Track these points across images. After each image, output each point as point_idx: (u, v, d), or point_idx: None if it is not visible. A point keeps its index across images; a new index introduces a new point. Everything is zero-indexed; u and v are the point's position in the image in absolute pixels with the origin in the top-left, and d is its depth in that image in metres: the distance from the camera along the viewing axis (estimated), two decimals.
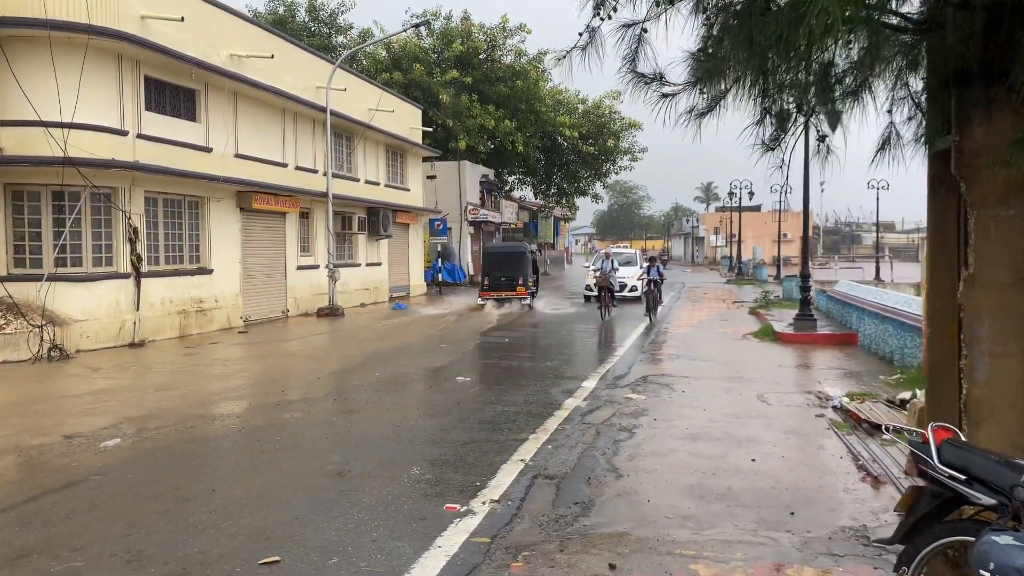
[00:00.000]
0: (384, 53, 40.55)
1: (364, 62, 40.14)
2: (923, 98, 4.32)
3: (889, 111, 4.49)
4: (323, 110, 22.18)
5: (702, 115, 4.42)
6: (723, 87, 4.28)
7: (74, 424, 8.49)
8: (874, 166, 4.59)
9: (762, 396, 10.29)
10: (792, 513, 5.67)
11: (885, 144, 4.57)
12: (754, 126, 4.50)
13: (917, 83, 4.34)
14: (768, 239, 72.87)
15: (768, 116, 4.39)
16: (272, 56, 19.58)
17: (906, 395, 9.81)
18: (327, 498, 5.91)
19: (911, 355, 11.97)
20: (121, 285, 15.56)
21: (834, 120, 5.04)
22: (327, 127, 22.32)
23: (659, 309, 21.10)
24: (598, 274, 20.96)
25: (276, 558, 4.72)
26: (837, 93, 4.39)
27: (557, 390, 10.64)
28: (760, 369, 12.67)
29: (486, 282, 24.62)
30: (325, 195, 22.42)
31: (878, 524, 5.44)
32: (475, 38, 39.65)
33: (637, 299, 24.25)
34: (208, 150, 18.15)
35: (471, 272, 38.47)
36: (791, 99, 4.52)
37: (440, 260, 33.74)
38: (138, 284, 15.81)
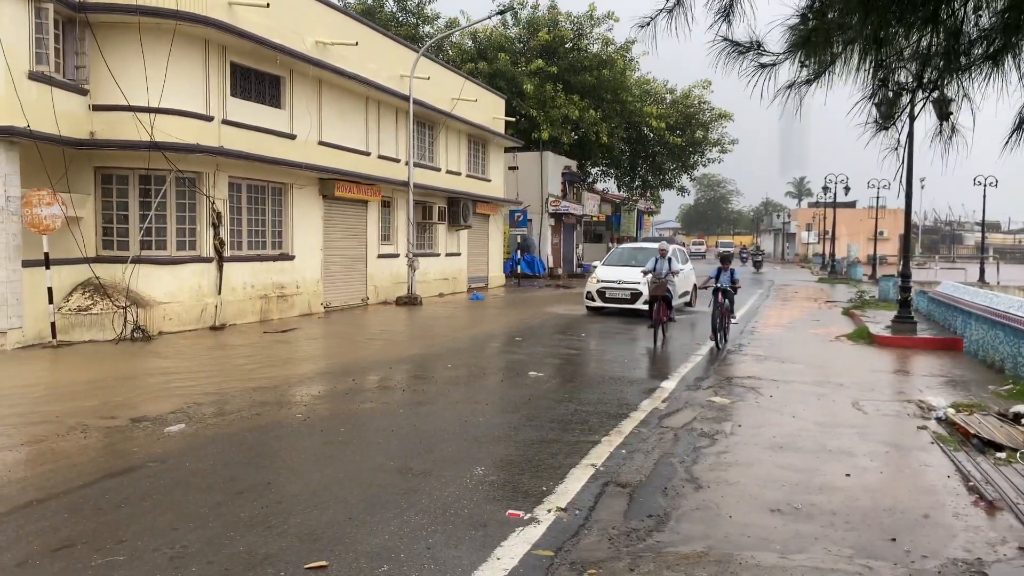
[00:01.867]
0: (470, 43, 40.41)
1: (450, 52, 40.10)
2: None
3: None
4: (406, 99, 22.08)
5: (808, 82, 3.87)
6: (830, 55, 3.72)
7: (143, 407, 8.47)
8: (1008, 150, 3.94)
9: (857, 403, 9.54)
10: (893, 539, 5.06)
11: (1022, 124, 3.92)
12: (865, 101, 3.92)
13: None
14: (863, 236, 69.96)
15: (884, 89, 3.81)
16: (356, 43, 19.54)
17: (1020, 408, 8.92)
18: (384, 497, 5.60)
19: None
20: (204, 269, 15.76)
21: (943, 106, 4.41)
22: (410, 116, 22.22)
23: (731, 328, 15.07)
24: (649, 277, 15.26)
25: (323, 563, 4.42)
26: (966, 62, 3.77)
27: (634, 390, 10.13)
28: (854, 374, 11.85)
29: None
30: (406, 184, 22.35)
31: (996, 559, 4.78)
32: (561, 27, 39.07)
33: (642, 314, 17.85)
34: (292, 137, 18.24)
35: (551, 264, 38.04)
36: (911, 70, 3.92)
37: (519, 252, 33.42)
38: (220, 268, 15.98)
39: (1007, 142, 3.97)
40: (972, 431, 7.82)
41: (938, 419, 8.70)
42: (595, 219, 51.33)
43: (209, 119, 15.61)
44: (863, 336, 16.05)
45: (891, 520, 5.43)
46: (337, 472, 6.23)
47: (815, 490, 6.08)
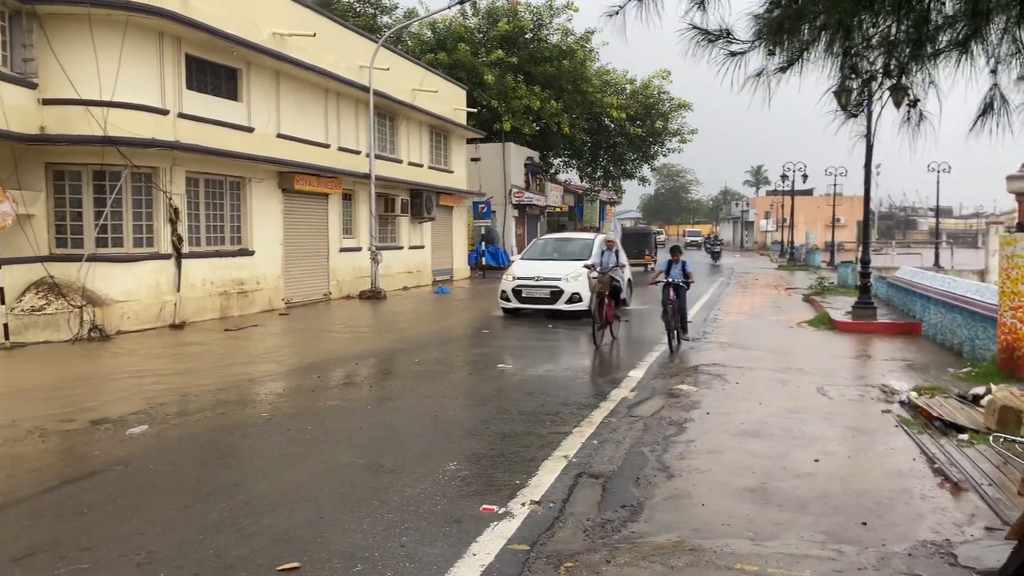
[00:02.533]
0: (429, 33, 40.10)
1: (409, 42, 39.75)
2: None
3: (993, 71, 3.88)
4: (366, 90, 21.83)
5: (781, 70, 3.86)
6: (800, 42, 3.71)
7: (103, 408, 8.25)
8: (973, 135, 3.98)
9: (822, 389, 9.66)
10: (864, 523, 5.12)
11: (987, 109, 3.96)
12: (836, 87, 3.93)
13: None
14: (821, 224, 71.09)
15: (854, 76, 3.82)
16: (314, 34, 19.26)
17: (979, 390, 9.10)
18: (356, 495, 5.52)
19: (983, 346, 11.20)
20: (162, 266, 15.44)
21: (901, 93, 4.45)
22: (370, 107, 21.98)
23: (687, 329, 13.23)
24: (594, 273, 13.57)
25: (295, 564, 4.33)
26: (931, 50, 3.79)
27: (603, 379, 10.15)
28: (818, 360, 12.00)
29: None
30: (368, 176, 22.12)
31: (964, 539, 4.85)
32: (521, 17, 38.96)
33: (579, 315, 16.14)
34: (250, 130, 17.93)
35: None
36: (878, 58, 3.93)
37: (484, 243, 33.35)
38: (179, 265, 15.68)
39: (972, 128, 4.01)
40: (935, 414, 7.96)
41: (901, 403, 8.84)
42: (558, 210, 51.41)
43: (164, 113, 15.27)
44: (824, 322, 16.28)
45: (861, 504, 5.49)
46: (306, 471, 6.13)
47: (785, 476, 6.13)
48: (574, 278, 16.12)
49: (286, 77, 19.33)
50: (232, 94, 17.72)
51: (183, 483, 5.78)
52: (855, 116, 4.09)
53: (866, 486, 5.91)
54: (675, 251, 13.13)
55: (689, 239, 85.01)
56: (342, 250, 22.09)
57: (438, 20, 39.81)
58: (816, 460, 6.57)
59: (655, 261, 38.13)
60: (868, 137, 9.87)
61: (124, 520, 5.03)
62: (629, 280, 18.79)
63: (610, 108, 41.64)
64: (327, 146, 21.22)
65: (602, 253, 14.19)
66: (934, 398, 8.88)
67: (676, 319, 12.70)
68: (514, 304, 16.78)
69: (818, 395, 9.34)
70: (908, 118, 4.04)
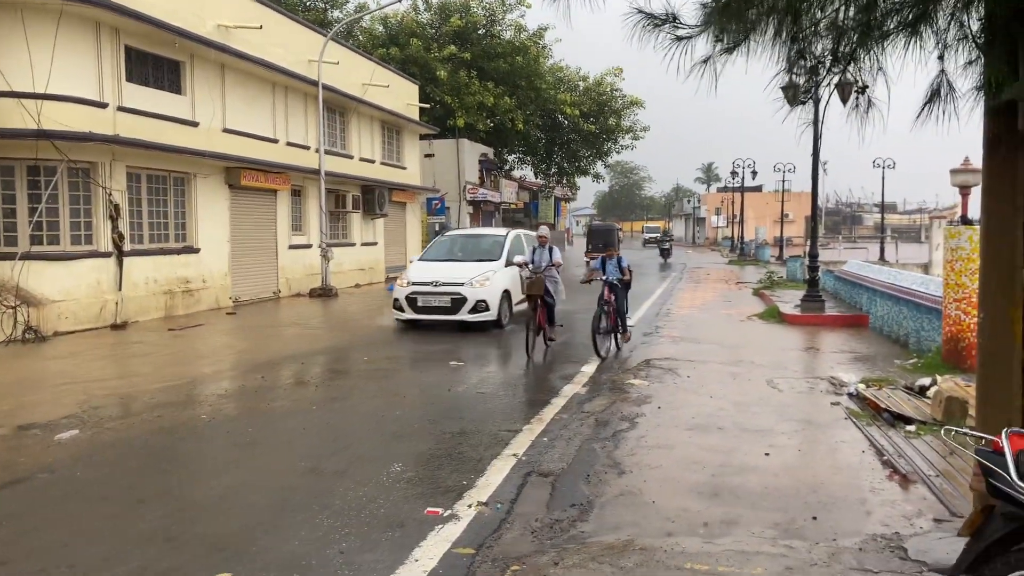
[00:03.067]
0: (381, 28, 39.66)
1: (360, 37, 39.25)
2: (982, 39, 3.65)
3: (940, 57, 3.83)
4: (315, 84, 21.41)
5: (728, 51, 3.75)
6: (746, 25, 3.61)
7: (33, 413, 7.88)
8: (919, 123, 3.92)
9: (772, 382, 9.68)
10: (815, 517, 5.07)
11: (934, 97, 3.91)
12: (783, 75, 3.84)
13: (974, 23, 3.67)
14: (770, 219, 72.11)
15: (801, 61, 3.73)
16: (261, 27, 18.80)
17: (925, 381, 9.19)
18: (295, 500, 5.30)
19: (928, 338, 11.36)
20: (102, 264, 14.92)
21: (845, 89, 4.41)
22: (319, 101, 21.57)
23: (628, 332, 12.31)
24: (526, 273, 12.06)
25: (228, 574, 4.12)
26: (879, 34, 3.72)
27: (555, 375, 10.04)
28: (768, 352, 12.06)
29: (589, 247, 35.09)
30: (317, 172, 21.70)
31: (913, 532, 4.83)
32: (474, 12, 38.73)
33: (471, 327, 13.92)
34: (194, 124, 17.44)
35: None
36: (826, 43, 3.85)
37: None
38: (120, 263, 15.17)
39: (919, 115, 3.96)
40: (883, 406, 8.00)
41: (850, 395, 8.89)
42: (513, 206, 51.32)
43: (103, 106, 14.75)
44: (774, 315, 16.42)
45: (811, 498, 5.45)
46: (244, 476, 5.89)
47: (736, 471, 6.07)
48: (480, 283, 13.87)
49: (232, 70, 18.85)
50: (175, 87, 17.21)
51: (113, 490, 5.51)
52: (803, 103, 4.00)
53: (816, 480, 5.87)
54: (607, 245, 12.75)
55: (648, 236, 78.73)
56: (291, 247, 21.66)
57: (390, 15, 39.41)
58: (766, 454, 6.53)
59: (619, 254, 40.59)
60: (816, 125, 9.87)
61: (48, 531, 4.75)
62: (611, 284, 14.88)
63: (564, 105, 41.65)
64: (275, 141, 20.77)
65: (534, 250, 12.49)
66: (882, 390, 8.95)
67: (611, 323, 11.48)
68: (409, 315, 14.20)
69: (768, 388, 9.35)
70: (856, 105, 3.98)
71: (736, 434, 7.19)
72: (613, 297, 11.60)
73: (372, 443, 6.79)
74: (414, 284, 14.22)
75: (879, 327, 14.09)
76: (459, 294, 13.88)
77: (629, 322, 12.75)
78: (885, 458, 6.38)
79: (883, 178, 39.40)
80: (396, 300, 14.43)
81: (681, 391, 9.12)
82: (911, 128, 3.84)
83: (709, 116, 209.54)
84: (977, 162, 13.55)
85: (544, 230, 12.88)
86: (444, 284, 13.99)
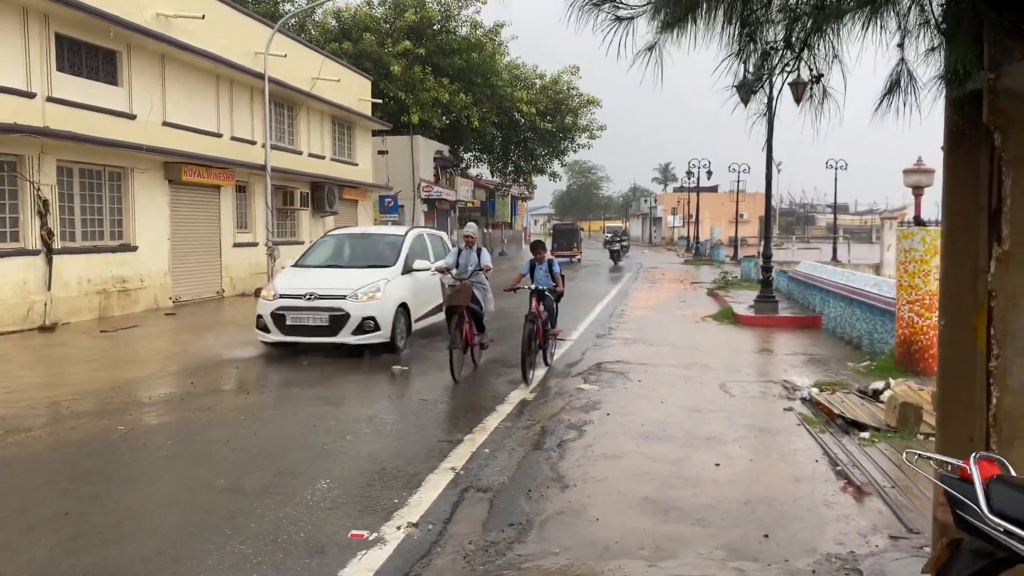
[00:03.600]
0: (334, 22, 38.91)
1: (313, 32, 38.47)
2: (944, 25, 3.36)
3: (900, 45, 3.53)
4: (261, 77, 20.70)
5: (668, 27, 3.41)
6: (690, 2, 3.27)
7: None
8: (879, 116, 3.63)
9: (724, 386, 9.44)
10: (767, 535, 4.77)
11: (894, 88, 3.62)
12: (732, 59, 3.51)
13: (936, 6, 3.38)
14: (725, 219, 72.74)
15: (752, 45, 3.40)
16: (203, 16, 18.09)
17: (879, 385, 9.05)
18: (207, 523, 4.84)
19: (881, 340, 11.24)
20: (29, 263, 14.16)
21: (800, 91, 4.12)
22: (265, 95, 20.87)
23: (551, 357, 10.64)
24: (449, 280, 10.14)
25: None
26: (833, 18, 3.41)
27: (502, 380, 9.65)
28: (721, 355, 11.84)
29: (555, 246, 36.94)
30: (264, 168, 21.00)
31: (869, 551, 4.55)
32: (428, 8, 38.18)
33: (378, 349, 11.27)
34: (131, 117, 16.71)
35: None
36: (779, 29, 3.53)
37: None
38: (49, 262, 14.42)
39: (877, 108, 3.66)
40: (836, 412, 7.79)
41: (803, 399, 8.67)
42: (470, 205, 50.87)
43: (31, 96, 14.00)
44: (727, 316, 16.27)
45: (763, 513, 5.16)
46: (154, 495, 5.40)
47: (686, 483, 5.76)
48: (368, 295, 10.99)
49: (173, 61, 18.13)
50: (111, 78, 16.46)
51: (3, 514, 4.98)
52: (754, 93, 3.68)
53: (769, 492, 5.59)
54: (538, 248, 10.40)
55: (609, 235, 69.28)
56: (236, 245, 20.96)
57: (343, 9, 38.71)
58: (717, 464, 6.24)
59: (581, 253, 42.00)
60: (769, 118, 9.62)
61: None
62: (539, 293, 10.55)
63: (520, 103, 41.30)
64: (219, 136, 20.06)
65: (459, 252, 10.56)
66: (835, 394, 8.75)
67: (535, 343, 9.66)
68: (275, 336, 11.10)
69: (721, 392, 9.10)
70: (811, 95, 3.66)
71: (686, 442, 6.90)
72: (542, 308, 9.93)
73: (300, 456, 6.34)
74: (283, 297, 11.11)
75: (832, 328, 13.99)
76: (340, 310, 10.89)
77: (557, 337, 11.14)
78: (839, 468, 6.13)
79: (836, 179, 39.88)
80: (260, 318, 11.23)
81: (632, 396, 8.82)
82: (870, 121, 3.55)
83: (666, 117, 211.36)
84: (930, 163, 13.48)
85: (471, 228, 10.92)
86: (321, 297, 10.97)
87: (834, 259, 37.39)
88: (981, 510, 2.43)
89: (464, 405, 8.44)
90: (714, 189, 74.97)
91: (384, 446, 6.66)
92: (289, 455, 6.36)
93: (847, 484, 5.76)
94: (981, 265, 3.49)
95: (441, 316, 11.52)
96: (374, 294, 11.13)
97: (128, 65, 16.69)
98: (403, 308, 11.58)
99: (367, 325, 10.94)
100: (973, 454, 2.57)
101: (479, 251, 10.58)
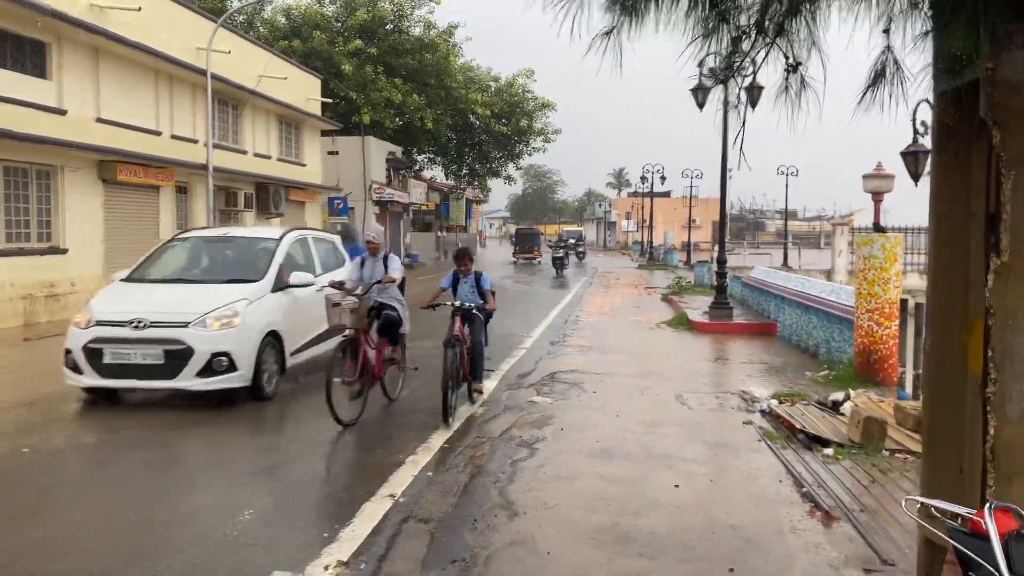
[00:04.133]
0: (283, 19, 38.01)
1: (261, 29, 37.51)
2: (935, 8, 2.99)
3: (886, 31, 3.16)
4: (203, 73, 19.94)
5: (628, 11, 2.98)
6: None
7: None
8: (862, 110, 3.25)
9: (681, 397, 9.09)
10: (731, 570, 4.38)
11: (879, 78, 3.24)
12: (700, 42, 3.10)
13: None
14: (678, 224, 73.24)
15: (723, 26, 2.99)
16: (139, 8, 17.27)
17: (838, 396, 8.78)
18: (104, 565, 4.27)
19: (838, 348, 11.02)
20: None
21: (756, 95, 3.76)
22: (207, 92, 20.08)
23: (481, 377, 8.83)
24: (337, 298, 7.78)
25: None
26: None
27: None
28: (676, 364, 11.52)
29: (517, 248, 39.43)
30: (205, 167, 20.22)
31: None
32: (381, 7, 37.52)
33: (236, 395, 8.34)
34: (61, 112, 15.85)
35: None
36: (752, 13, 3.13)
37: (341, 241, 31.66)
38: None
39: (860, 100, 3.28)
40: (798, 426, 7.47)
41: (762, 412, 8.35)
42: (424, 207, 50.21)
43: None
44: (682, 323, 16.00)
45: (727, 543, 4.76)
46: (48, 531, 4.80)
47: (643, 508, 5.35)
48: (221, 322, 8.13)
49: (107, 55, 17.29)
50: (39, 71, 15.59)
51: None
52: (723, 83, 3.28)
53: (732, 518, 5.20)
54: (463, 258, 8.44)
55: (569, 239, 56.95)
56: None
57: (292, 6, 37.82)
58: (676, 486, 5.85)
59: (541, 256, 42.60)
60: (724, 115, 9.29)
61: None
62: (462, 331, 8.57)
63: (475, 105, 40.82)
64: (158, 133, 19.23)
65: (362, 263, 8.32)
66: (795, 406, 8.45)
67: (457, 371, 7.84)
68: (90, 379, 8.07)
69: (677, 404, 8.74)
70: (787, 87, 3.26)
71: (643, 461, 6.49)
72: (467, 330, 8.21)
73: (225, 481, 5.78)
74: (101, 324, 8.04)
75: (788, 336, 13.78)
76: (180, 343, 7.86)
77: (489, 366, 9.20)
78: (805, 489, 5.77)
79: (787, 185, 40.19)
80: (68, 353, 8.10)
81: (586, 409, 8.41)
82: (852, 116, 3.17)
83: (621, 123, 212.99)
84: (890, 167, 13.27)
85: (374, 232, 8.36)
86: (155, 325, 7.95)
87: (785, 264, 37.65)
88: (1000, 572, 2.03)
89: (415, 422, 7.91)
90: (667, 194, 75.42)
91: (317, 471, 6.14)
92: (213, 478, 5.80)
93: (814, 508, 5.41)
94: (973, 277, 3.13)
95: (332, 344, 8.36)
96: (230, 320, 8.10)
97: (58, 57, 15.84)
98: (273, 338, 8.64)
99: (218, 363, 7.90)
100: (987, 504, 2.18)
101: (386, 259, 8.28)
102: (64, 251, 16.02)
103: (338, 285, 8.15)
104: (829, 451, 6.76)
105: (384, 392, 8.36)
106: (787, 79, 3.23)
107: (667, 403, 8.79)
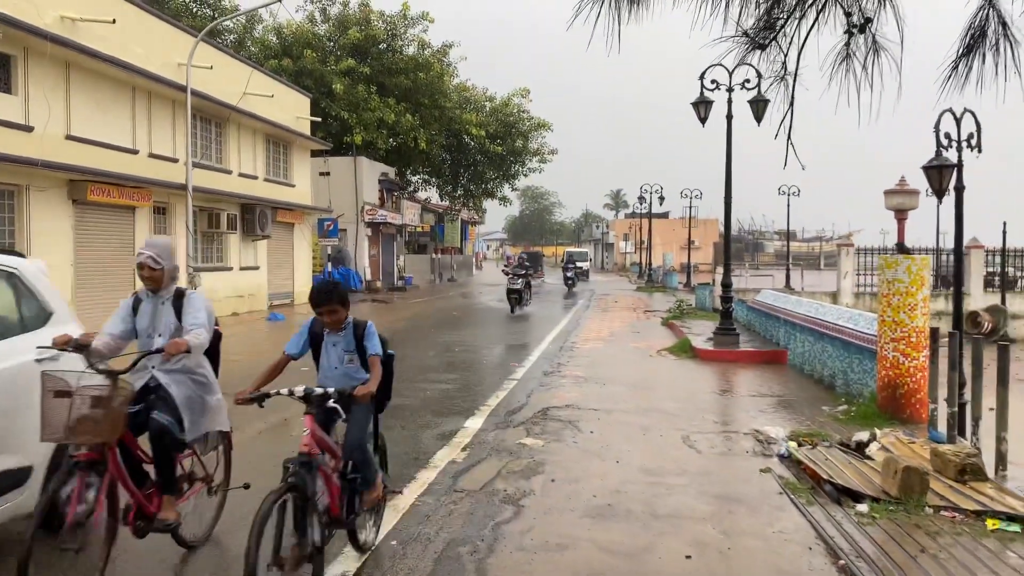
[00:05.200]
0: (274, 39, 37.38)
1: (252, 48, 36.87)
2: None
3: None
4: (184, 89, 19.13)
5: None
6: None
7: None
8: (950, 87, 2.34)
9: (688, 438, 8.15)
10: None
11: (975, 44, 2.34)
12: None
13: None
14: (676, 245, 72.52)
15: None
16: (113, 21, 16.51)
17: (863, 436, 7.87)
18: None
19: (858, 380, 10.09)
20: None
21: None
22: (187, 108, 19.24)
23: (374, 532, 5.02)
24: (60, 382, 3.92)
25: None
26: None
27: (430, 434, 8.21)
28: (681, 397, 10.57)
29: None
30: (186, 187, 19.35)
31: None
32: (374, 25, 36.89)
33: None
34: (27, 129, 15.01)
35: (368, 277, 35.66)
36: None
37: (332, 264, 30.80)
38: None
39: (950, 76, 2.37)
40: (823, 475, 6.53)
41: (781, 456, 7.41)
42: (419, 229, 49.41)
43: None
44: (685, 350, 15.06)
45: None
46: None
47: None
48: None
49: (80, 69, 16.47)
50: (3, 85, 14.78)
51: None
52: (761, 47, 2.38)
53: None
54: (327, 302, 4.54)
55: (577, 262, 46.72)
56: None
57: (284, 25, 37.20)
58: (688, 557, 4.91)
59: (544, 276, 41.25)
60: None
61: None
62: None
63: (469, 125, 40.11)
64: (135, 152, 18.38)
65: (134, 306, 4.71)
66: (816, 448, 7.53)
67: (332, 514, 4.35)
68: None
69: (684, 447, 7.80)
70: (848, 53, 2.36)
71: (648, 522, 5.55)
72: (331, 442, 4.53)
73: (153, 553, 4.82)
74: None
75: (799, 364, 12.86)
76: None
77: (393, 486, 5.66)
78: (842, 562, 4.83)
79: (788, 205, 39.41)
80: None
81: (582, 454, 7.46)
82: (939, 95, 2.25)
83: (617, 144, 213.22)
84: (914, 183, 12.36)
85: (153, 249, 4.62)
86: None
87: (787, 286, 36.74)
88: None
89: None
90: (665, 215, 74.75)
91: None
92: (145, 551, 4.82)
93: None
94: None
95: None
96: None
97: (24, 71, 15.00)
98: None
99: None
100: None
101: (181, 300, 4.69)
102: None
103: (77, 347, 4.30)
104: (863, 507, 5.82)
105: (175, 538, 4.65)
106: (848, 44, 2.32)
107: (673, 445, 7.85)
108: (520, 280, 24.04)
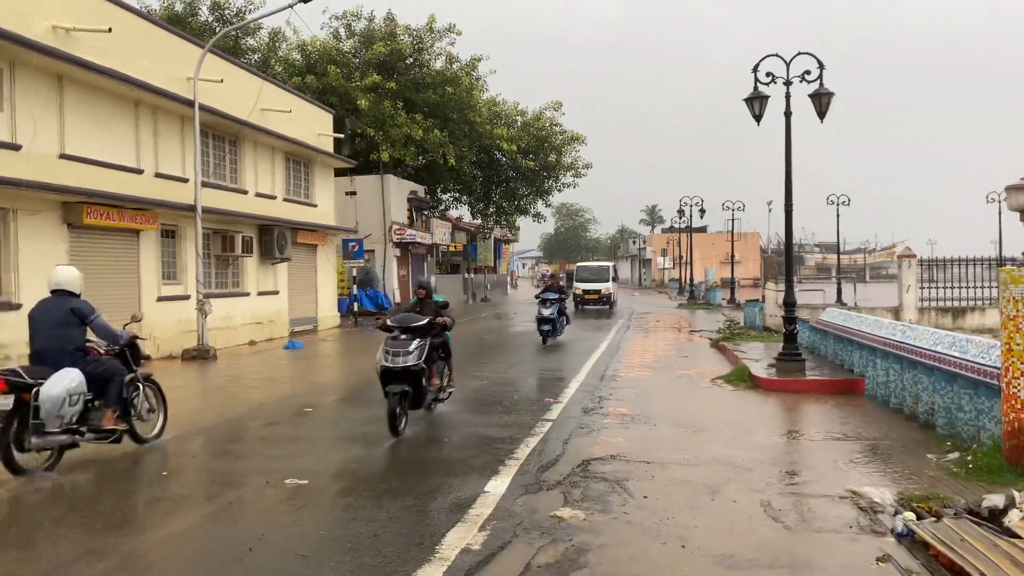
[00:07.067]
0: (298, 56, 36.44)
1: (277, 67, 35.93)
2: None
3: None
4: (192, 105, 17.89)
5: None
6: None
7: None
8: None
9: (769, 505, 6.41)
10: None
11: None
12: None
13: None
14: (716, 260, 70.30)
15: None
16: (109, 30, 15.28)
17: (998, 500, 6.13)
18: None
19: (969, 421, 8.25)
20: None
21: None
22: (195, 124, 17.98)
23: None
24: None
25: None
26: None
27: (441, 503, 6.54)
28: (748, 442, 8.81)
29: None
30: (195, 209, 18.07)
31: None
32: (400, 40, 35.73)
33: None
34: (15, 147, 13.78)
35: (397, 299, 34.25)
36: None
37: (358, 286, 29.42)
38: None
39: None
40: (965, 566, 4.78)
41: (898, 535, 5.65)
42: (451, 248, 48.04)
43: None
44: (743, 378, 13.27)
45: None
46: None
47: None
48: None
49: (75, 83, 15.27)
50: None
51: None
52: None
53: None
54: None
55: (589, 282, 38.27)
56: (162, 299, 17.90)
57: (308, 42, 36.22)
58: None
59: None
60: (787, 115, 6.83)
61: None
62: None
63: (500, 140, 38.67)
64: (139, 171, 17.12)
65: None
66: (941, 521, 5.77)
67: None
68: None
69: (767, 518, 6.07)
70: None
71: None
72: None
73: None
74: None
75: (881, 396, 11.00)
76: None
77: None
78: None
79: (838, 215, 37.37)
80: None
81: (636, 532, 5.78)
82: None
83: (651, 158, 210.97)
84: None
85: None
86: None
87: (839, 301, 34.60)
88: None
89: (369, 565, 5.34)
90: (703, 229, 72.65)
91: None
92: None
93: None
94: None
95: None
96: None
97: (11, 85, 13.80)
98: None
99: None
100: None
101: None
102: (18, 307, 13.81)
103: None
104: None
105: None
106: None
107: (751, 515, 6.13)
108: (551, 306, 20.14)
